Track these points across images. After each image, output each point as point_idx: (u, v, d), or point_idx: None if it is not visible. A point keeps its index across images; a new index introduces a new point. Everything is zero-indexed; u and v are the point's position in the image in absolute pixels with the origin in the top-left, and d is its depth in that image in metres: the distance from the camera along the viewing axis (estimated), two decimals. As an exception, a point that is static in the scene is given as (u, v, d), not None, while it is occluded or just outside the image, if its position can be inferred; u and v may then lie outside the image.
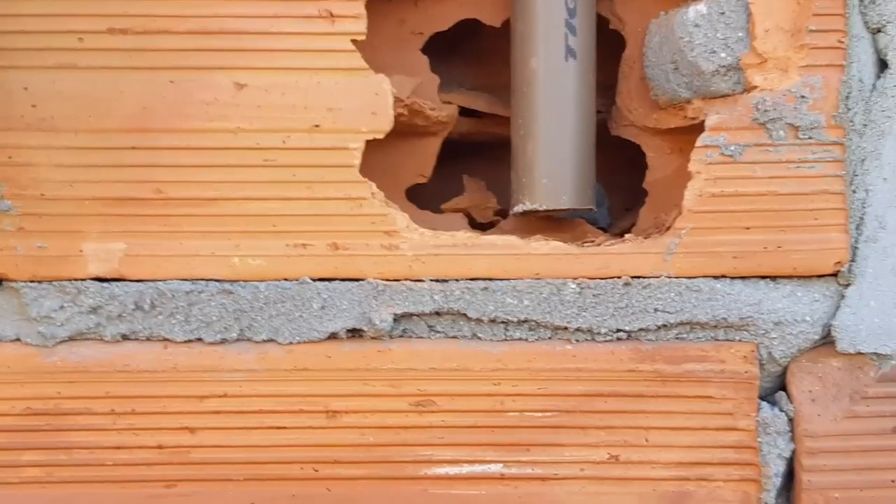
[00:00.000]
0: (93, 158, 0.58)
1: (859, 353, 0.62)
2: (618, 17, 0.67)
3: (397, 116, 0.60)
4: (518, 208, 0.64)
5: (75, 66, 0.58)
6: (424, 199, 0.70)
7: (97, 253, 0.59)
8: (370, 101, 0.59)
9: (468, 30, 0.68)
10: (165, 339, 0.61)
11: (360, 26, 0.58)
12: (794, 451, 0.63)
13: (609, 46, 0.67)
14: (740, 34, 0.59)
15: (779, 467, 0.63)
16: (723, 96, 0.60)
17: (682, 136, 0.66)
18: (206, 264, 0.60)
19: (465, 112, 0.71)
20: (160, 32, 0.58)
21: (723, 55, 0.60)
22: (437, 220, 0.69)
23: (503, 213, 0.73)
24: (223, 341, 0.61)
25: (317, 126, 0.59)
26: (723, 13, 0.59)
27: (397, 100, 0.61)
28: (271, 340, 0.61)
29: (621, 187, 0.76)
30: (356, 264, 0.60)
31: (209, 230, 0.59)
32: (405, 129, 0.65)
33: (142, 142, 0.58)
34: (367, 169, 0.59)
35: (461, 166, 0.74)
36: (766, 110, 0.59)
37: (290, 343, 0.61)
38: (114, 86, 0.58)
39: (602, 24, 0.65)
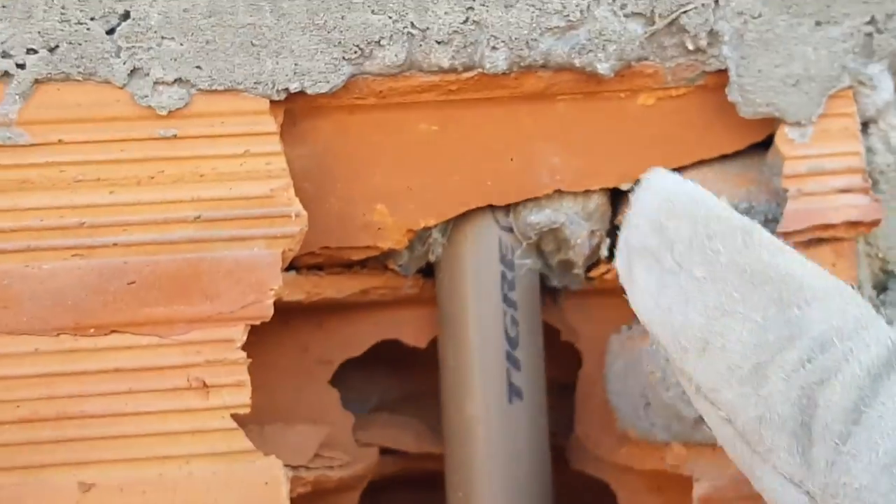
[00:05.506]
0: None
1: None
2: (570, 327, 0.62)
3: (297, 496, 0.53)
4: None
5: None
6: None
7: None
8: (259, 494, 0.50)
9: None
10: None
11: (243, 397, 0.50)
12: None
13: (554, 348, 0.61)
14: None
15: None
16: (714, 446, 0.52)
17: (661, 476, 0.59)
18: None
19: (388, 448, 0.64)
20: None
21: (708, 398, 0.51)
22: None
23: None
24: None
25: (190, 535, 0.51)
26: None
27: (296, 478, 0.53)
28: None
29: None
30: None
31: None
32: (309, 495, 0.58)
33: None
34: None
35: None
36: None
37: None
38: None
39: (551, 330, 0.61)
